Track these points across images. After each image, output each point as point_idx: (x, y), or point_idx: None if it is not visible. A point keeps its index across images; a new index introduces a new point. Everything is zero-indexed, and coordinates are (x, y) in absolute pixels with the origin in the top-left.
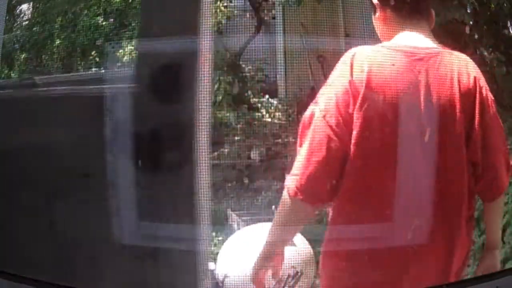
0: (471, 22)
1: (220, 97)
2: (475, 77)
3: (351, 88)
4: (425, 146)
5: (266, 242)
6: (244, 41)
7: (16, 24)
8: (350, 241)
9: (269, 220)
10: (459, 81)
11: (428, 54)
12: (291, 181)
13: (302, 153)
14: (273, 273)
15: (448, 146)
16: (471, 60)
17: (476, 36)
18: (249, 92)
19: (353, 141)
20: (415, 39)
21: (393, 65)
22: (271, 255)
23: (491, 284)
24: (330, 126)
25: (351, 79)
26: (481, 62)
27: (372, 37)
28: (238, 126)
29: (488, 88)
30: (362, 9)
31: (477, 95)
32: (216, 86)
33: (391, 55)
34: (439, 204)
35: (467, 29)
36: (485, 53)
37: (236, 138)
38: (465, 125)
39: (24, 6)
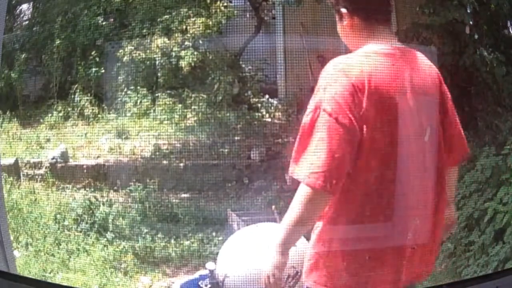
0: (471, 22)
1: (220, 97)
2: (435, 67)
3: (356, 92)
4: (422, 134)
5: (284, 236)
6: (244, 41)
7: (16, 24)
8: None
9: (269, 220)
10: (429, 73)
11: (402, 53)
12: (314, 175)
13: (317, 151)
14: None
15: (434, 130)
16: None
17: (476, 36)
18: (249, 92)
19: (365, 136)
20: (388, 42)
21: (383, 67)
22: (288, 249)
23: (491, 284)
24: (344, 126)
25: (354, 82)
26: (481, 62)
27: None
28: (238, 126)
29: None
30: None
31: (442, 81)
32: (216, 86)
33: (377, 58)
34: (434, 185)
35: (467, 29)
36: (485, 53)
37: (236, 138)
38: (441, 109)
39: (24, 6)
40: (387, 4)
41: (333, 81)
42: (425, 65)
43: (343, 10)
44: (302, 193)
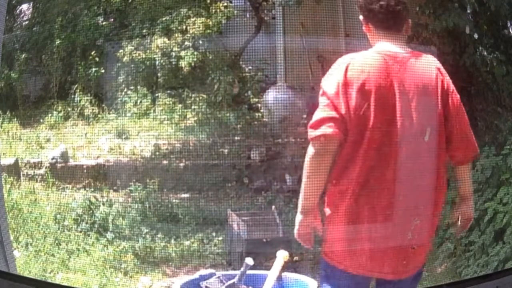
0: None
1: (220, 97)
2: (438, 68)
3: (347, 84)
4: (419, 131)
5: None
6: (244, 41)
7: (16, 24)
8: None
9: (269, 220)
10: (429, 74)
11: (404, 56)
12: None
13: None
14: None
15: (434, 128)
16: (434, 58)
17: (476, 36)
18: (249, 92)
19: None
20: (393, 46)
21: (380, 66)
22: (309, 208)
23: (491, 284)
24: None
25: (348, 76)
26: (481, 62)
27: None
28: (238, 126)
29: (447, 75)
30: None
31: (444, 82)
32: (216, 86)
33: (377, 58)
34: (431, 178)
35: (467, 29)
36: (485, 53)
37: (236, 138)
38: (442, 108)
39: (24, 6)
40: (397, 14)
41: (335, 70)
42: (426, 68)
43: (361, 18)
44: (315, 144)
